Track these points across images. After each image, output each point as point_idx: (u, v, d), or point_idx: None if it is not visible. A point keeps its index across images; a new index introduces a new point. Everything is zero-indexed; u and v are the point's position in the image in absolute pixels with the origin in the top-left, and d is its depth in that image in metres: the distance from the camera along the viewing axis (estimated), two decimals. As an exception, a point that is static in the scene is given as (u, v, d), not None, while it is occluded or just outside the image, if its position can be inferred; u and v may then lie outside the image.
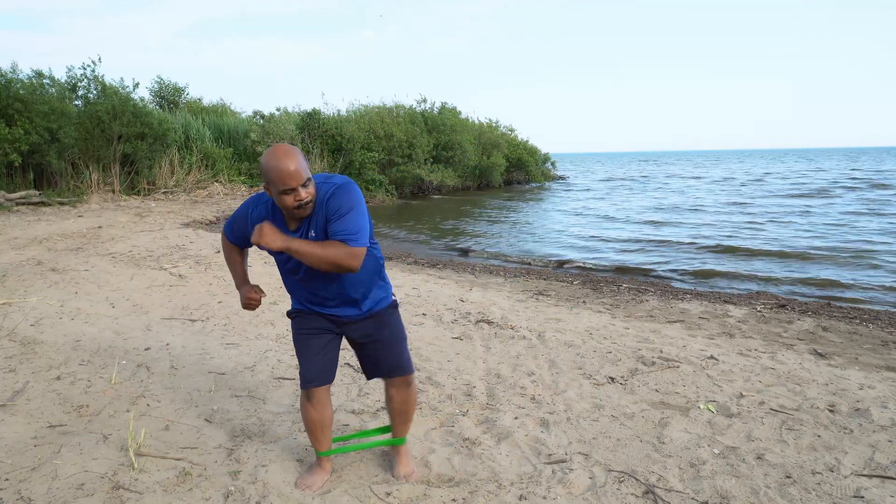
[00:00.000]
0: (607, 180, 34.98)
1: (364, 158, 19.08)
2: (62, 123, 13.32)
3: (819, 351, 4.39)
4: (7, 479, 2.36)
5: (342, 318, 2.28)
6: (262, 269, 6.86)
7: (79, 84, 15.04)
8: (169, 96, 23.55)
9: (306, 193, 1.99)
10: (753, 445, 2.78)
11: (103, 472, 2.43)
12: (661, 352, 4.19)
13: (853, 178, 29.93)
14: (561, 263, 9.14)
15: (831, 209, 16.42)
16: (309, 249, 1.98)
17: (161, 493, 2.29)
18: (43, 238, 8.81)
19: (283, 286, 2.39)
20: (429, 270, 7.96)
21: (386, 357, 2.35)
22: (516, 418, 3.05)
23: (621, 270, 8.61)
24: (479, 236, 12.21)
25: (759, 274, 8.16)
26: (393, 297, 2.40)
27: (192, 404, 3.14)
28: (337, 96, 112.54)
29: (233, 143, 19.36)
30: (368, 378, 2.46)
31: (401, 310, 2.59)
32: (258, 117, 21.32)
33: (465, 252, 10.33)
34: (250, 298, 2.23)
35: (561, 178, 34.70)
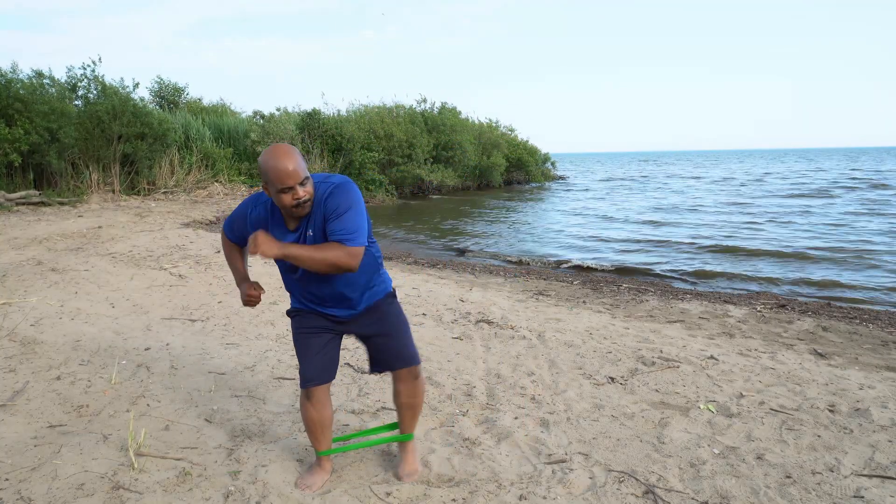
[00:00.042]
0: (607, 180, 34.98)
1: (364, 158, 19.08)
2: (62, 123, 13.32)
3: (819, 351, 4.39)
4: (7, 479, 2.36)
5: (340, 318, 2.28)
6: (263, 268, 6.86)
7: (79, 84, 15.04)
8: (169, 96, 23.56)
9: (304, 192, 1.99)
10: (753, 445, 2.78)
11: (103, 472, 2.43)
12: (661, 352, 4.19)
13: (853, 178, 29.92)
14: (559, 263, 9.14)
15: (831, 209, 16.41)
16: (306, 253, 1.98)
17: (161, 493, 2.29)
18: (43, 238, 8.81)
19: (283, 286, 2.39)
20: (429, 270, 7.96)
21: (389, 347, 2.34)
22: (516, 418, 3.05)
23: (621, 270, 8.60)
24: (479, 236, 12.21)
25: (759, 274, 8.16)
26: (391, 288, 2.38)
27: (192, 404, 3.14)
28: (337, 96, 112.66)
29: (233, 143, 19.37)
30: (375, 372, 2.43)
31: (401, 310, 2.58)
32: (258, 117, 21.33)
33: (461, 252, 10.31)
34: (250, 295, 2.23)
35: (561, 178, 34.70)
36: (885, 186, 24.10)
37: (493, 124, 27.20)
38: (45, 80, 14.11)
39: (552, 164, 32.51)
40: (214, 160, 17.61)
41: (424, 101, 24.24)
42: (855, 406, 3.26)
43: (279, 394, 3.32)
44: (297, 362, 2.37)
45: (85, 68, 14.99)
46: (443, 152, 22.69)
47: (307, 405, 2.32)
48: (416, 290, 6.15)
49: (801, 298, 6.72)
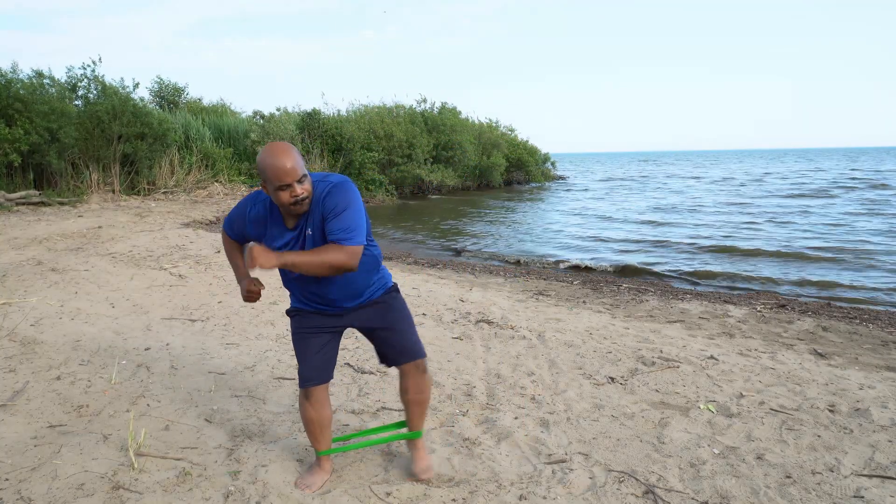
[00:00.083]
0: (607, 180, 34.97)
1: (364, 158, 19.09)
2: (62, 123, 13.32)
3: (819, 351, 4.39)
4: (7, 479, 2.36)
5: (341, 310, 2.28)
6: (262, 269, 6.86)
7: (79, 84, 15.05)
8: (169, 96, 23.56)
9: (302, 189, 1.99)
10: (753, 445, 2.78)
11: (103, 472, 2.43)
12: (661, 352, 4.19)
13: (853, 179, 29.90)
14: (559, 263, 9.14)
15: (831, 209, 16.41)
16: (305, 259, 1.98)
17: (161, 493, 2.29)
18: (43, 238, 8.81)
19: (282, 284, 2.39)
20: (429, 270, 7.96)
21: (393, 342, 2.34)
22: (516, 418, 3.05)
23: (621, 270, 8.61)
24: (478, 236, 12.21)
25: (759, 274, 8.16)
26: (392, 283, 2.39)
27: (192, 404, 3.14)
28: (337, 96, 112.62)
29: (233, 143, 19.38)
30: (384, 363, 2.43)
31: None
32: (258, 117, 21.34)
33: (461, 252, 10.30)
34: (250, 291, 2.23)
35: (561, 178, 34.70)
36: (884, 186, 24.09)
37: (493, 124, 27.21)
38: (45, 80, 14.11)
39: (552, 164, 32.51)
40: (214, 160, 17.61)
41: (424, 101, 24.28)
42: (855, 406, 3.26)
43: (279, 394, 3.32)
44: (297, 362, 2.37)
45: (85, 68, 15.01)
46: (443, 152, 22.69)
47: (306, 405, 2.33)
48: (416, 290, 6.15)
49: (801, 298, 6.73)
